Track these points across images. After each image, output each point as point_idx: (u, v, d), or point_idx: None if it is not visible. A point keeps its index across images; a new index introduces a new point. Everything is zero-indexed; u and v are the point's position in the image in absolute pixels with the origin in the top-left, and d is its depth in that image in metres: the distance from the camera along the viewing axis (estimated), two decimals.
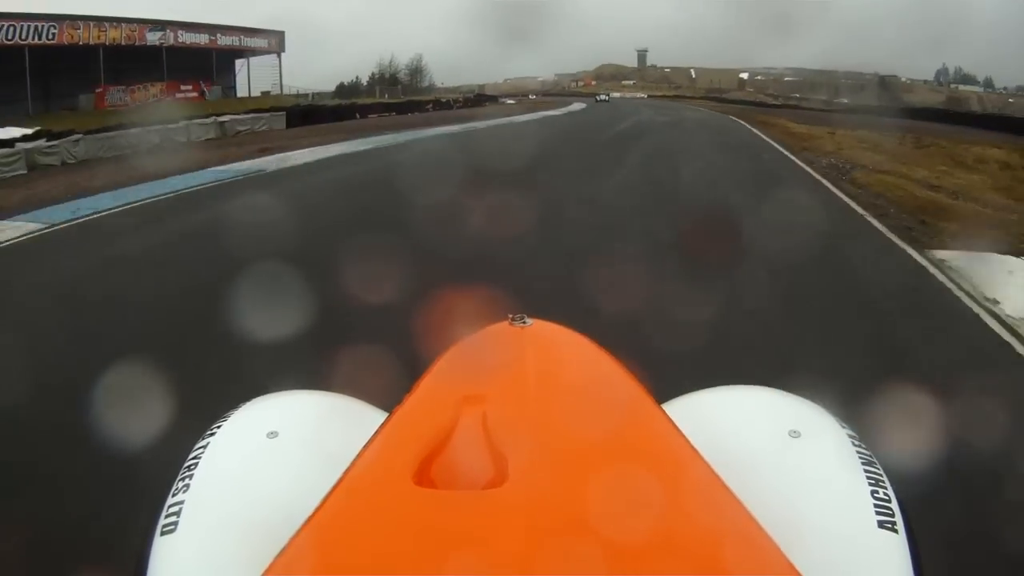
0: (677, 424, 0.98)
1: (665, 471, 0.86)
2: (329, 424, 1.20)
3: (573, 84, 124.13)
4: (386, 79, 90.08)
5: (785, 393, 1.22)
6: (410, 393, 1.08)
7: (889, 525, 0.90)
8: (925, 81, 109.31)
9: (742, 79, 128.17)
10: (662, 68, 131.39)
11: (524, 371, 1.05)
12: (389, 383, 1.52)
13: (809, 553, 0.78)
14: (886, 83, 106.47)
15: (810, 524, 0.90)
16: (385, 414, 1.15)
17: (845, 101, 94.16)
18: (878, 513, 0.92)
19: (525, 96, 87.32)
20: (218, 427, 1.15)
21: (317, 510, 0.78)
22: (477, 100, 63.47)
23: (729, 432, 1.09)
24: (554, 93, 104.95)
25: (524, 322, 1.20)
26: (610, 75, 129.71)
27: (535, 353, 1.12)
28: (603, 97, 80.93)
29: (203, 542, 0.93)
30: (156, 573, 0.89)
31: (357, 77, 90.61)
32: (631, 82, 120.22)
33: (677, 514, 0.76)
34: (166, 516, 0.96)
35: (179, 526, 0.94)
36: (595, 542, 0.68)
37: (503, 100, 70.27)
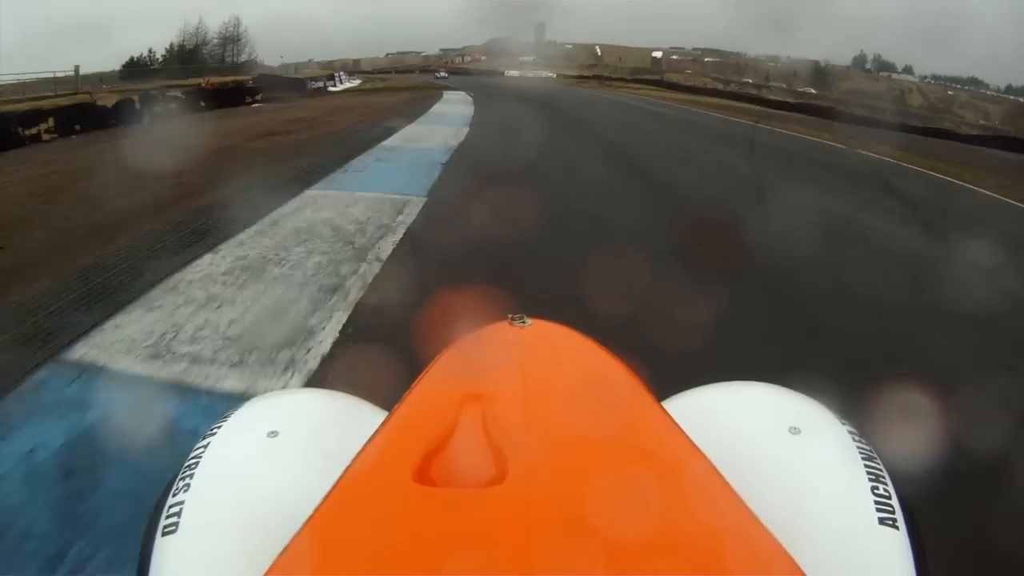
0: (677, 421, 0.98)
1: (665, 468, 0.87)
2: (329, 423, 1.18)
3: (459, 59, 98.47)
4: (186, 52, 61.52)
5: (785, 389, 1.19)
6: (409, 392, 1.08)
7: (890, 521, 0.90)
8: (847, 67, 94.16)
9: (656, 58, 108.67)
10: (563, 44, 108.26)
11: (524, 370, 1.05)
12: None
13: (809, 549, 0.79)
14: (821, 70, 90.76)
15: (810, 520, 0.90)
16: (385, 412, 1.13)
17: (813, 91, 75.62)
18: (878, 509, 0.91)
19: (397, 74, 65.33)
20: (218, 427, 1.12)
21: (318, 509, 0.78)
22: (252, 90, 30.39)
23: (729, 429, 1.08)
24: (432, 69, 79.85)
25: (524, 322, 1.20)
26: (502, 50, 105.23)
27: (535, 352, 1.13)
28: (442, 75, 68.93)
29: (204, 542, 0.93)
30: (158, 574, 0.89)
31: (151, 50, 60.47)
32: (530, 58, 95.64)
33: (678, 511, 0.77)
34: (167, 517, 0.95)
35: (180, 526, 0.93)
36: (596, 540, 0.67)
37: (334, 85, 40.62)
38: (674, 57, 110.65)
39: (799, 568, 0.70)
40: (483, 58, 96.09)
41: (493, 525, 0.70)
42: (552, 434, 0.87)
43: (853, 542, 0.89)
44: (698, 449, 0.88)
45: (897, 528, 0.89)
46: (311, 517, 0.77)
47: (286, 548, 0.73)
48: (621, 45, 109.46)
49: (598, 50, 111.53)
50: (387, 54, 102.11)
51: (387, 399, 1.14)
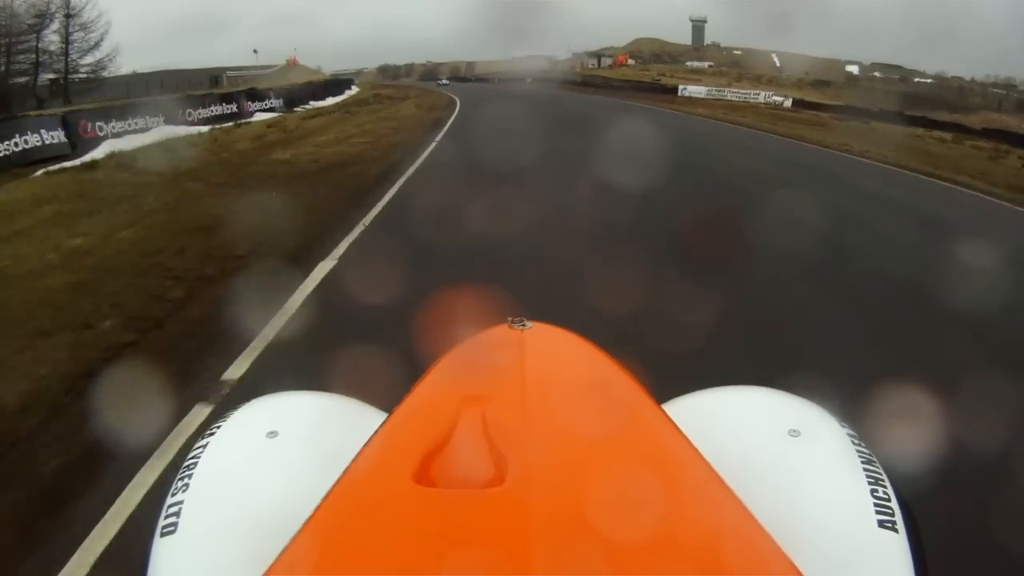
0: (677, 424, 0.98)
1: (665, 471, 0.87)
2: (329, 424, 1.20)
3: (593, 64, 74.04)
4: None
5: (785, 393, 1.20)
6: (409, 394, 1.08)
7: (889, 524, 0.90)
8: None
9: (851, 73, 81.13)
10: (729, 49, 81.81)
11: (523, 372, 1.03)
12: None
13: (809, 552, 0.80)
14: None
15: (810, 523, 0.91)
16: (384, 415, 1.14)
17: None
18: (878, 512, 0.92)
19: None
20: (217, 427, 1.14)
21: (317, 509, 0.79)
22: None
23: (729, 432, 1.08)
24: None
25: (523, 325, 1.18)
26: (651, 53, 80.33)
27: (534, 355, 1.10)
28: (444, 81, 67.16)
29: (203, 543, 0.93)
30: (157, 574, 0.89)
31: None
32: (705, 64, 69.52)
33: (677, 514, 0.77)
34: (166, 517, 0.95)
35: (179, 527, 0.93)
36: (595, 542, 0.67)
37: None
38: (876, 75, 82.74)
39: (798, 570, 0.71)
40: (631, 62, 71.33)
41: (493, 526, 0.70)
42: (552, 436, 0.86)
43: (852, 545, 0.89)
44: (698, 452, 0.89)
45: (896, 531, 0.89)
46: (310, 517, 0.77)
47: (285, 548, 0.73)
48: (800, 54, 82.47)
49: (775, 59, 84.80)
50: (512, 57, 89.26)
51: (391, 392, 1.20)
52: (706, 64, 68.89)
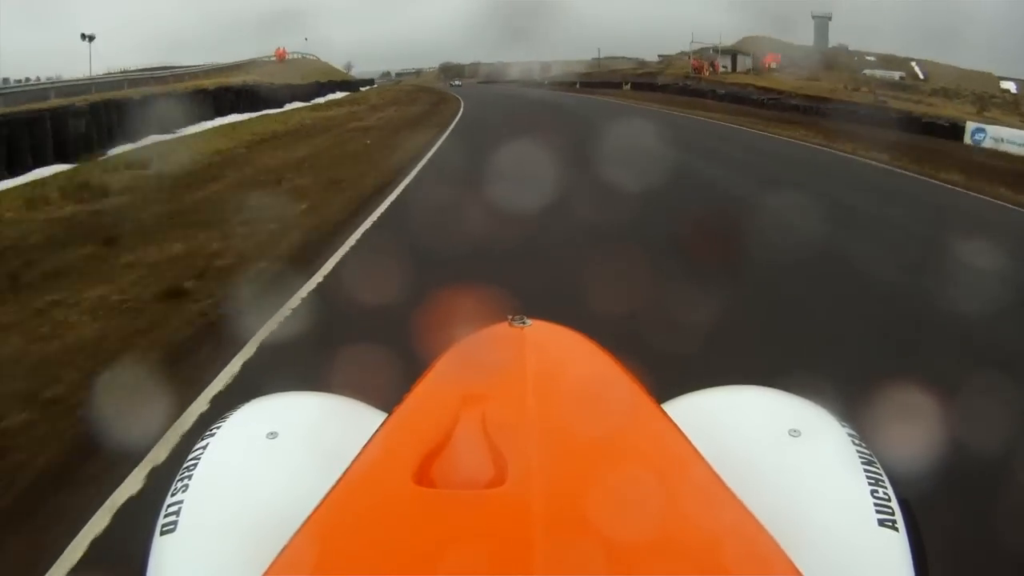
0: (678, 424, 0.99)
1: (665, 471, 0.88)
2: (329, 425, 1.20)
3: (723, 67, 56.87)
4: None
5: (785, 393, 1.21)
6: (409, 394, 1.09)
7: (889, 523, 0.91)
8: None
9: (1008, 91, 64.39)
10: (861, 54, 64.75)
11: (523, 371, 1.04)
12: None
13: (809, 552, 0.80)
14: None
15: (810, 523, 0.91)
16: (384, 415, 1.15)
17: None
18: (878, 511, 0.92)
19: None
20: (217, 427, 1.14)
21: (317, 510, 0.79)
22: None
23: (729, 432, 1.09)
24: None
25: (523, 322, 1.19)
26: (771, 51, 62.97)
27: (535, 353, 1.11)
28: (457, 83, 64.10)
29: (203, 542, 0.94)
30: (156, 573, 0.90)
31: None
32: (895, 75, 52.53)
33: (678, 514, 0.77)
34: (165, 515, 0.96)
35: (179, 526, 0.94)
36: (596, 542, 0.68)
37: None
38: None
39: (798, 570, 0.71)
40: (775, 65, 54.20)
41: (493, 527, 0.70)
42: (552, 436, 0.86)
43: (853, 544, 0.89)
44: (698, 452, 0.89)
45: (897, 530, 0.89)
46: (310, 517, 0.76)
47: (285, 548, 0.73)
48: (945, 64, 65.77)
49: (916, 68, 68.02)
50: (592, 58, 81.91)
51: (391, 393, 1.14)
52: (896, 75, 51.45)
